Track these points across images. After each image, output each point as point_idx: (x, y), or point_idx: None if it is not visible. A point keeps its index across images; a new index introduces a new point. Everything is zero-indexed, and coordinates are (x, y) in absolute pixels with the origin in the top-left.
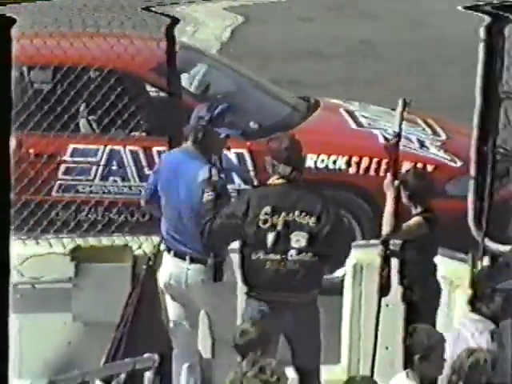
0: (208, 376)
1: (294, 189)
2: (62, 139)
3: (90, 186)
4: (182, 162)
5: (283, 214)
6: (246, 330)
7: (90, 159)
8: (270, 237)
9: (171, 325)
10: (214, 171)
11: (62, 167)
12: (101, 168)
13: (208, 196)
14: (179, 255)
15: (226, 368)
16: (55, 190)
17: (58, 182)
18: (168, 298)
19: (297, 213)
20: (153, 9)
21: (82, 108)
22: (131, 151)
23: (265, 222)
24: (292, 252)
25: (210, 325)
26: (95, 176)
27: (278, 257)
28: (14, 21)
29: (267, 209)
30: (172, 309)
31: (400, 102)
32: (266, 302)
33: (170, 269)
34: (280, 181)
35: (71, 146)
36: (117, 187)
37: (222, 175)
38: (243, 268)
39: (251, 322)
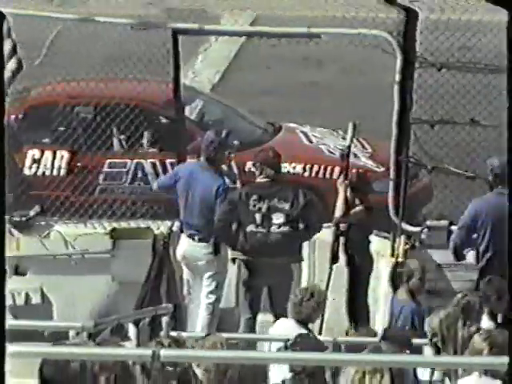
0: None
1: (274, 184)
2: (101, 155)
3: (122, 188)
4: (196, 171)
5: (266, 201)
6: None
7: (121, 169)
8: (258, 216)
9: (185, 285)
10: (224, 182)
11: (102, 175)
12: (129, 175)
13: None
14: (191, 236)
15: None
16: (97, 191)
17: (99, 186)
18: (184, 267)
19: (276, 200)
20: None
21: (114, 131)
22: (151, 163)
23: (254, 206)
24: (274, 227)
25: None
26: (125, 181)
27: (265, 230)
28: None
29: (255, 197)
30: (187, 274)
31: (351, 125)
32: (256, 264)
33: (184, 246)
34: (265, 180)
35: (108, 160)
36: (140, 188)
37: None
38: (238, 237)
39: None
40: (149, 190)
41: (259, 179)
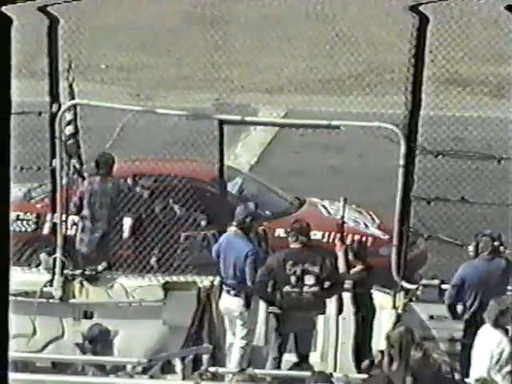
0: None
1: (305, 250)
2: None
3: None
4: (232, 240)
5: (300, 265)
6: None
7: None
8: (293, 278)
9: (228, 331)
10: (253, 248)
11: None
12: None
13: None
14: (228, 292)
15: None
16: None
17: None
18: (225, 317)
19: (307, 264)
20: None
21: (170, 201)
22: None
23: (289, 270)
24: (306, 287)
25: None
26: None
27: (298, 289)
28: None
29: (291, 262)
30: (227, 323)
31: (342, 199)
32: (286, 315)
33: (224, 301)
34: (298, 245)
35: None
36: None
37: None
38: (275, 295)
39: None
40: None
41: (293, 245)
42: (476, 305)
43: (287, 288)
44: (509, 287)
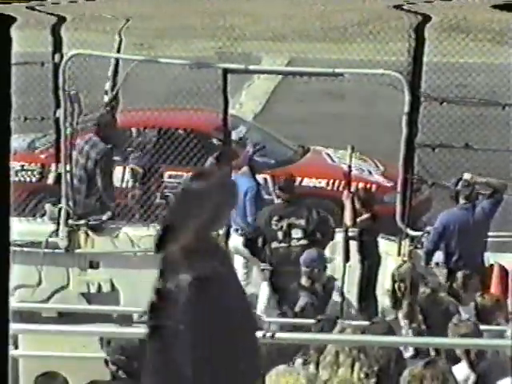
0: None
1: (290, 204)
2: (163, 169)
3: None
4: (239, 179)
5: (286, 219)
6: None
7: (179, 180)
8: (280, 233)
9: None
10: (255, 185)
11: (163, 185)
12: None
13: (251, 200)
14: (236, 231)
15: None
16: (158, 198)
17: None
18: (236, 255)
19: (293, 218)
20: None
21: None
22: None
23: (276, 225)
24: (294, 241)
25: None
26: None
27: (286, 244)
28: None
29: (276, 217)
30: (236, 259)
31: (349, 147)
32: (277, 272)
33: (233, 239)
34: (281, 201)
35: (168, 173)
36: None
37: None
38: (264, 251)
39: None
40: None
41: (277, 201)
42: (457, 253)
43: (275, 244)
44: (488, 233)
